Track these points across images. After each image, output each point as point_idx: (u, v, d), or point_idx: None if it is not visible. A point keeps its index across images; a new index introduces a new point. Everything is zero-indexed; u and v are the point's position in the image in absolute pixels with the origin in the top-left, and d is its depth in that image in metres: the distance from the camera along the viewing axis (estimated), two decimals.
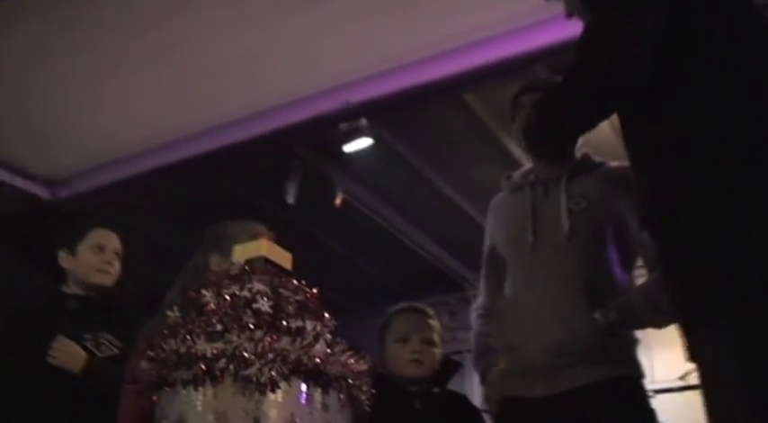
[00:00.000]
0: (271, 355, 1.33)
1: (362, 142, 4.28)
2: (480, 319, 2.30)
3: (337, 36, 3.60)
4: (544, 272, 2.01)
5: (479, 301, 2.32)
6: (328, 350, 1.41)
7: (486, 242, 2.30)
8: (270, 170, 4.60)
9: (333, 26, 3.54)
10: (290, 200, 4.56)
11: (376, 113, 4.13)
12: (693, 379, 1.50)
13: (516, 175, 2.28)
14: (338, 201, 4.85)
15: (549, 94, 1.64)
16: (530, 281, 2.04)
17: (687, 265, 1.32)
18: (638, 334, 2.06)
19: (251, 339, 1.36)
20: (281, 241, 1.59)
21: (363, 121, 4.13)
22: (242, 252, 1.56)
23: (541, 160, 2.17)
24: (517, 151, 4.29)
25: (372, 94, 3.93)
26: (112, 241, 2.69)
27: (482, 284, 2.32)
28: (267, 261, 1.53)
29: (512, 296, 2.11)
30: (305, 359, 1.35)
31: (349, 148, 4.31)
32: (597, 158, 2.19)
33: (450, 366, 2.48)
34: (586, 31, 1.45)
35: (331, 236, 5.72)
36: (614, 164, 2.15)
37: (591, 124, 1.56)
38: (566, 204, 2.06)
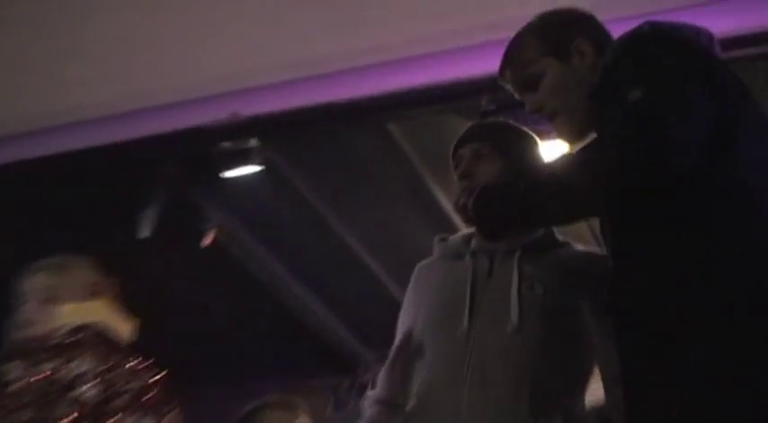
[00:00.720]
0: None
1: (249, 168, 4.24)
2: (377, 411, 2.24)
3: (231, 29, 3.67)
4: (478, 371, 1.98)
5: (377, 392, 2.27)
6: None
7: (402, 322, 2.26)
8: (124, 190, 4.50)
9: (227, 16, 3.62)
10: (146, 232, 4.53)
11: (270, 133, 4.15)
12: None
13: (454, 238, 2.26)
14: (208, 239, 4.85)
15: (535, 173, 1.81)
16: (455, 379, 2.00)
17: (682, 393, 1.50)
18: None
19: None
20: (126, 287, 1.53)
21: (253, 142, 4.12)
22: (70, 314, 1.48)
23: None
24: (448, 204, 4.41)
25: (268, 108, 3.95)
26: None
27: (384, 374, 2.26)
28: (99, 334, 1.45)
29: (426, 397, 2.06)
30: None
31: (231, 173, 4.27)
32: (560, 237, 2.20)
33: None
34: (629, 110, 1.60)
35: (193, 284, 5.59)
36: (581, 248, 2.17)
37: (591, 211, 1.77)
38: (517, 286, 2.04)
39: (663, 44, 1.66)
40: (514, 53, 1.94)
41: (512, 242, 2.11)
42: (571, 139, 1.89)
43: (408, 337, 2.22)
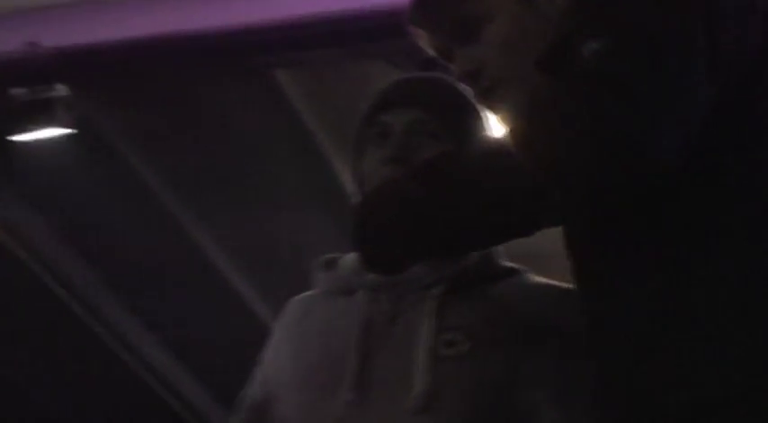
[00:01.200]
0: None
1: (52, 131, 4.02)
2: None
3: None
4: None
5: None
6: None
7: (257, 380, 2.03)
8: None
9: None
10: None
11: (86, 76, 3.96)
12: None
13: (345, 263, 1.99)
14: None
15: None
16: None
17: None
18: None
19: None
20: None
21: (60, 90, 3.86)
22: None
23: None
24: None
25: (84, 39, 3.78)
26: None
27: None
28: None
29: None
30: None
31: (25, 136, 4.06)
32: (505, 261, 1.96)
33: None
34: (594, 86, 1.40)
35: None
36: (539, 279, 1.96)
37: (531, 227, 1.66)
38: (430, 342, 1.82)
39: None
40: None
41: (429, 272, 1.89)
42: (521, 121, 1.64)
43: (259, 401, 2.02)
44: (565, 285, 1.84)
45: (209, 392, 5.94)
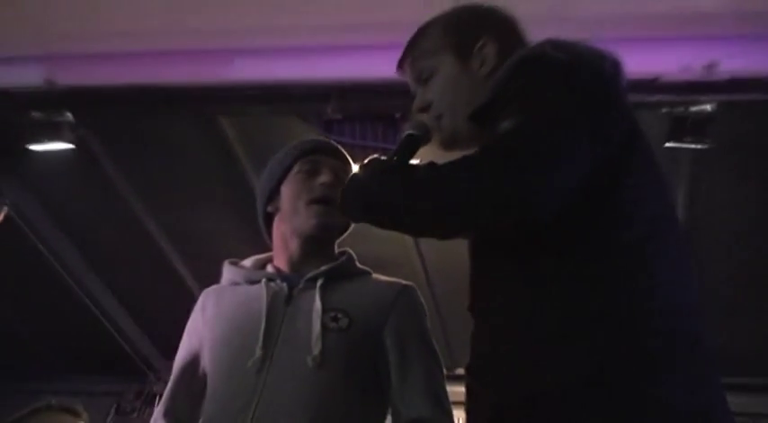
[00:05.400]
0: None
1: (58, 145, 4.18)
2: None
3: None
4: (268, 407, 1.91)
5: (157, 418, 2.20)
6: None
7: (184, 346, 2.21)
8: None
9: None
10: None
11: (88, 109, 4.13)
12: None
13: (246, 263, 2.24)
14: None
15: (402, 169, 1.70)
16: (240, 413, 1.92)
17: None
18: None
19: None
20: None
21: (68, 116, 4.09)
22: None
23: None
24: None
25: (89, 81, 3.95)
26: None
27: (166, 397, 2.20)
28: None
29: None
30: None
31: (37, 147, 4.20)
32: (361, 266, 2.20)
33: None
34: (500, 136, 1.55)
35: None
36: (384, 277, 2.18)
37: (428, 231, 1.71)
38: (320, 318, 2.01)
39: (555, 72, 1.61)
40: (416, 41, 1.89)
41: (313, 264, 2.11)
42: (447, 146, 1.86)
43: (190, 358, 2.18)
44: (401, 281, 2.14)
45: (149, 338, 6.19)
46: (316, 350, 1.94)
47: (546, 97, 1.57)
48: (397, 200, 1.61)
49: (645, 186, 1.62)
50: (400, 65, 1.91)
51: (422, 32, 1.89)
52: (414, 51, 1.87)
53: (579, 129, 1.54)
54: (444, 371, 2.07)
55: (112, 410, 6.17)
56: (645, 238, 1.56)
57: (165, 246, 5.40)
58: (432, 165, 1.61)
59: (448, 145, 1.83)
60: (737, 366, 5.25)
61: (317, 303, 2.02)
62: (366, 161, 1.76)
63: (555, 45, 1.68)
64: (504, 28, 1.86)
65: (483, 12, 1.89)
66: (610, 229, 1.55)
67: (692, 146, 3.61)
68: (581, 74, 1.61)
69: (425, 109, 1.84)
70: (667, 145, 3.61)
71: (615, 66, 1.70)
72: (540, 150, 1.50)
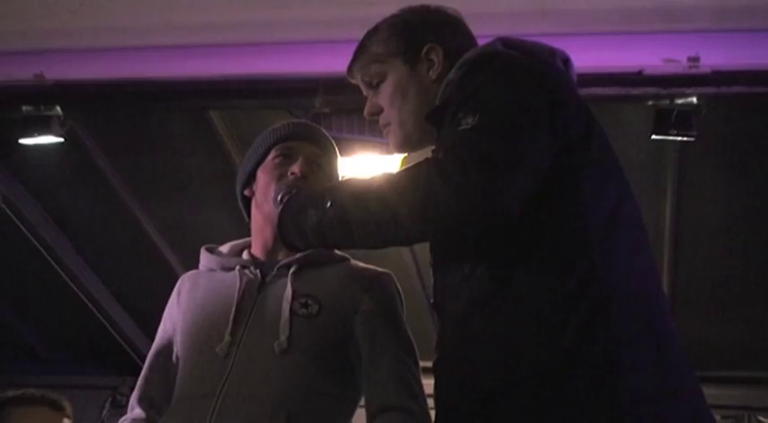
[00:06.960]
0: None
1: (48, 138, 4.18)
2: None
3: None
4: (233, 389, 1.92)
5: (133, 403, 2.20)
6: None
7: (160, 333, 2.23)
8: None
9: None
10: None
11: (77, 104, 4.15)
12: None
13: (223, 249, 2.25)
14: None
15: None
16: (208, 395, 1.92)
17: None
18: None
19: None
20: None
21: (57, 110, 4.09)
22: None
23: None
24: None
25: (79, 76, 3.96)
26: None
27: (141, 383, 2.21)
28: None
29: (175, 410, 2.01)
30: None
31: (27, 140, 4.19)
32: (339, 252, 2.18)
33: None
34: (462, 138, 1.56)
35: None
36: (361, 264, 2.17)
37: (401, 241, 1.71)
38: (290, 304, 2.01)
39: (509, 70, 1.63)
40: (364, 46, 1.90)
41: (286, 253, 2.09)
42: (400, 151, 1.89)
43: (164, 343, 2.19)
44: (377, 269, 2.13)
45: (143, 332, 6.04)
46: (283, 335, 1.95)
47: (503, 94, 1.58)
48: (369, 216, 1.62)
49: (603, 176, 1.63)
50: (349, 70, 1.92)
51: (369, 37, 1.90)
52: (362, 57, 1.88)
53: (540, 123, 1.56)
54: (419, 359, 2.06)
55: (107, 404, 6.13)
56: (605, 227, 1.57)
57: (156, 238, 5.40)
58: (390, 174, 1.62)
59: (401, 148, 1.86)
60: (725, 359, 5.31)
61: (288, 290, 2.02)
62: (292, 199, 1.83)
63: (506, 43, 1.72)
64: (450, 30, 1.87)
65: (430, 13, 1.90)
66: (570, 220, 1.57)
67: (678, 138, 3.62)
68: (535, 69, 1.64)
69: (374, 114, 1.86)
70: (653, 137, 3.63)
71: (565, 61, 1.74)
72: (504, 148, 1.51)
